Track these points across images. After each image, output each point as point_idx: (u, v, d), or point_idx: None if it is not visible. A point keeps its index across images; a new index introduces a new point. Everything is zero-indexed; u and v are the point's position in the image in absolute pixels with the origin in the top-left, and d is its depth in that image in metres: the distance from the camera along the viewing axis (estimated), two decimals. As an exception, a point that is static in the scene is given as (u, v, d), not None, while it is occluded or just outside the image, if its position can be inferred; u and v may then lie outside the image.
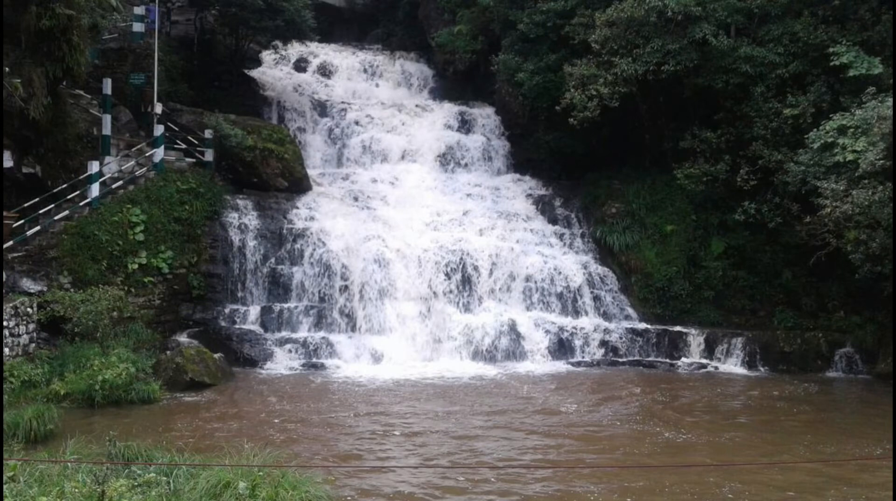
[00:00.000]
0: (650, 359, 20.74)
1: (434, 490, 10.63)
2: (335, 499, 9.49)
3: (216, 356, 17.66)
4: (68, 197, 18.91)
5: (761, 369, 20.16)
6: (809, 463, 12.09)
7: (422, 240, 22.42)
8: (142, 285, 19.24)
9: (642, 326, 21.59)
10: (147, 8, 22.76)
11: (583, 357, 20.57)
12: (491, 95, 28.90)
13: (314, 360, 19.25)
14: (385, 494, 10.51)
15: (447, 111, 28.59)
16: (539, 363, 20.05)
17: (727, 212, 22.32)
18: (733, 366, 20.29)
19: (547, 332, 20.87)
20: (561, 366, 20.02)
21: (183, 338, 18.97)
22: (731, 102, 22.31)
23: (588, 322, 21.42)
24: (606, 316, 21.86)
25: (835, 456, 12.62)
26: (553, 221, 24.74)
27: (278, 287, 21.03)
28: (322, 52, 32.39)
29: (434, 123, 28.07)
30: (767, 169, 21.31)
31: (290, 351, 19.37)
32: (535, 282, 21.99)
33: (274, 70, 31.13)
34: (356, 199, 24.44)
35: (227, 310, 20.35)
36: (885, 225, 17.46)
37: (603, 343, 20.93)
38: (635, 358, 20.72)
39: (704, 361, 20.56)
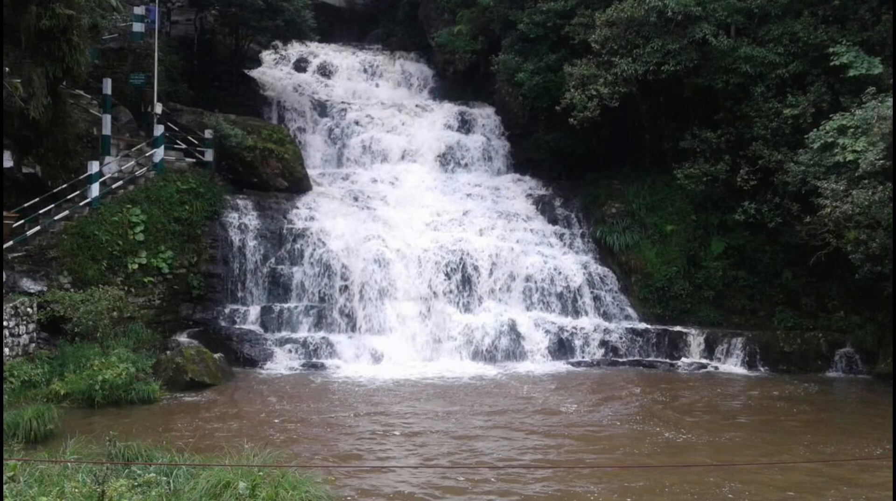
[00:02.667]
0: (650, 359, 20.74)
1: (434, 490, 10.63)
2: (335, 499, 9.49)
3: (216, 356, 17.66)
4: (68, 197, 18.90)
5: (761, 369, 20.16)
6: (809, 463, 12.09)
7: (422, 240, 22.42)
8: (142, 285, 19.24)
9: (642, 326, 21.59)
10: (147, 8, 22.76)
11: (583, 357, 20.57)
12: (491, 95, 28.91)
13: (314, 360, 19.25)
14: (385, 494, 10.51)
15: (447, 111, 28.59)
16: (539, 363, 20.05)
17: (727, 212, 22.32)
18: (733, 366, 20.29)
19: (547, 332, 20.87)
20: (561, 366, 20.02)
21: (183, 338, 18.96)
22: (731, 102, 22.30)
23: (588, 322, 21.42)
24: (606, 316, 21.86)
25: (835, 456, 12.61)
26: (553, 221, 24.74)
27: (278, 287, 21.03)
28: (322, 52, 32.40)
29: (434, 123, 28.07)
30: (767, 169, 21.31)
31: (290, 351, 19.37)
32: (535, 282, 21.99)
33: (274, 70, 31.14)
34: (356, 199, 24.44)
35: (227, 310, 20.35)
36: (885, 225, 17.45)
37: (603, 343, 20.93)
38: (635, 358, 20.72)
39: (704, 361, 20.55)
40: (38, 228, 18.10)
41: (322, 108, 28.14)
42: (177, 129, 22.43)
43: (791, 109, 20.69)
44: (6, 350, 15.18)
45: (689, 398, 16.82)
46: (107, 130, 20.12)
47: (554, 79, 24.88)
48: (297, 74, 31.33)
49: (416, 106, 29.20)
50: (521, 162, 27.38)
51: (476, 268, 21.91)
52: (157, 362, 16.78)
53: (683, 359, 20.68)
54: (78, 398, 14.58)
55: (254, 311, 20.41)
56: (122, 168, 20.41)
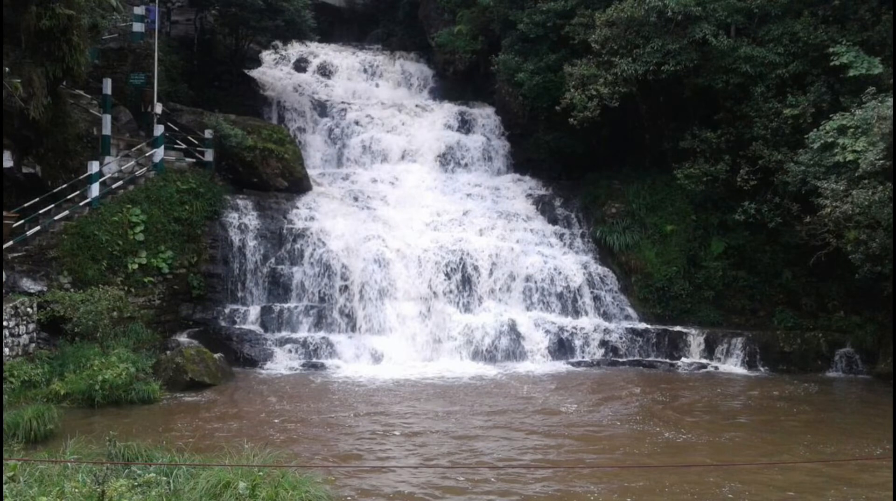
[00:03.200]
0: (650, 359, 20.74)
1: (434, 490, 10.63)
2: (335, 499, 9.49)
3: (216, 356, 17.66)
4: (68, 197, 18.90)
5: (761, 369, 20.16)
6: (809, 463, 12.09)
7: (422, 240, 22.42)
8: (142, 285, 19.24)
9: (642, 326, 21.59)
10: (147, 8, 22.76)
11: (583, 357, 20.57)
12: (491, 95, 28.91)
13: (314, 360, 19.25)
14: (385, 494, 10.51)
15: (447, 111, 28.59)
16: (539, 363, 20.05)
17: (727, 212, 22.32)
18: (733, 366, 20.29)
19: (547, 332, 20.87)
20: (561, 366, 20.02)
21: (183, 338, 18.96)
22: (731, 102, 22.30)
23: (588, 322, 21.42)
24: (606, 316, 21.86)
25: (835, 456, 12.61)
26: (553, 221, 24.74)
27: (278, 287, 21.03)
28: (322, 52, 32.40)
29: (434, 123, 28.08)
30: (767, 169, 21.32)
31: (290, 351, 19.37)
32: (535, 282, 21.99)
33: (274, 70, 31.14)
34: (356, 199, 24.44)
35: (227, 310, 20.35)
36: (885, 225, 17.46)
37: (603, 343, 20.93)
38: (635, 358, 20.72)
39: (704, 361, 20.55)
40: (38, 228, 18.10)
41: (322, 108, 28.14)
42: (177, 129, 22.42)
43: (791, 109, 20.69)
44: (6, 350, 15.18)
45: (689, 398, 16.82)
46: (107, 130, 20.12)
47: (554, 79, 24.88)
48: (297, 74, 31.33)
49: (416, 106, 29.20)
50: (521, 162, 27.38)
51: (476, 268, 21.91)
52: (157, 362, 16.78)
53: (683, 359, 20.68)
54: (78, 398, 14.58)
55: (254, 311, 20.41)
56: (122, 168, 20.41)
